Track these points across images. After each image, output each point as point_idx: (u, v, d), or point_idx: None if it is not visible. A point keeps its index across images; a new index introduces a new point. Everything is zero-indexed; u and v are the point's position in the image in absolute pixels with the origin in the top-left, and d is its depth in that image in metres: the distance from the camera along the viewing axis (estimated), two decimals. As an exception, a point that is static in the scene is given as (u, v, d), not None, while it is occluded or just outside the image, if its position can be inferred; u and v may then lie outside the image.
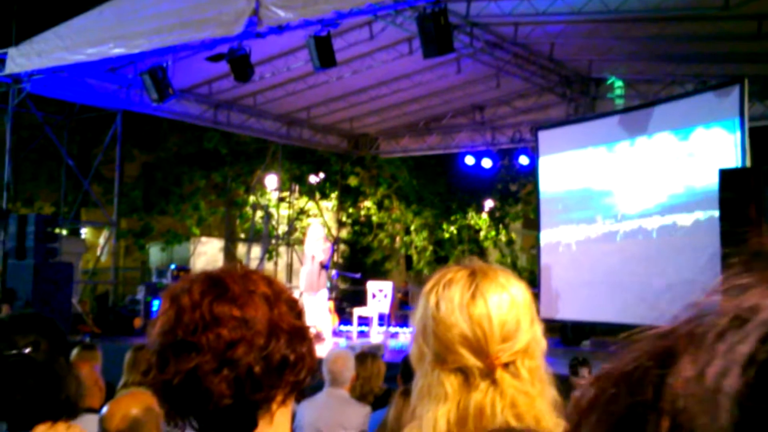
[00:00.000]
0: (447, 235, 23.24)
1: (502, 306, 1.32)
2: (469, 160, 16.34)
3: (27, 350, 1.86)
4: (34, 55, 11.42)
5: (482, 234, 23.42)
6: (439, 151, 17.04)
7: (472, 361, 1.30)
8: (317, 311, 10.41)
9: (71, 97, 13.21)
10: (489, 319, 1.30)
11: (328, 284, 11.11)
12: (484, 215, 23.81)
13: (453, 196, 22.68)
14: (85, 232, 22.29)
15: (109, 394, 4.14)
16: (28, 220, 12.24)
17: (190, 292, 1.22)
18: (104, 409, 2.98)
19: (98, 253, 18.91)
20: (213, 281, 1.24)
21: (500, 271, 1.38)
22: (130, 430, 2.70)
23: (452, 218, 23.26)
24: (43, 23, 11.40)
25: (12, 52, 11.69)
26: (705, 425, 0.37)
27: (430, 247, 22.67)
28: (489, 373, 1.30)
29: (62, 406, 1.89)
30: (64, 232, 16.21)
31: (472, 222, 23.60)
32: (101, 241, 20.42)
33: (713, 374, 0.38)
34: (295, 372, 1.24)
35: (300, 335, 1.27)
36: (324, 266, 10.45)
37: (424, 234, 22.72)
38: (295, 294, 10.86)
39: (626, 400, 0.40)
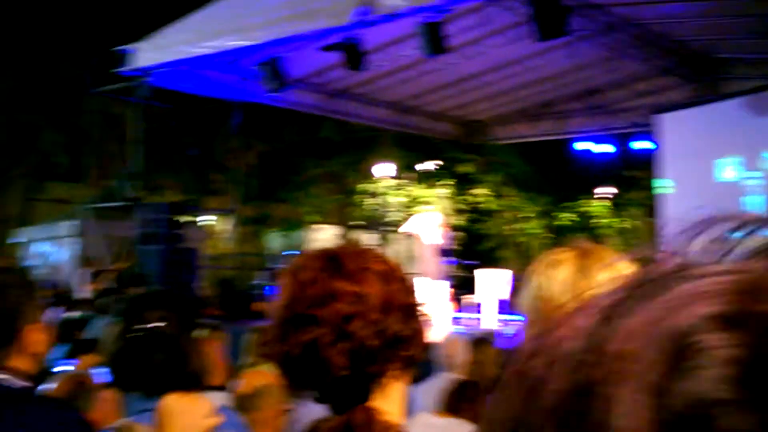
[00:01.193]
0: (562, 223, 22.86)
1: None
2: (585, 145, 15.97)
3: (156, 325, 2.00)
4: (158, 50, 11.95)
5: (599, 221, 22.91)
6: (552, 136, 16.72)
7: None
8: (437, 298, 10.49)
9: (192, 90, 13.74)
10: None
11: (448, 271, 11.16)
12: (601, 202, 23.26)
13: (568, 182, 22.26)
14: (209, 219, 23.18)
15: (232, 374, 4.32)
16: (156, 208, 12.87)
17: (309, 269, 1.29)
18: (234, 383, 3.16)
19: (220, 239, 19.65)
20: (330, 258, 1.30)
21: (607, 251, 1.38)
22: (253, 399, 2.86)
23: (567, 205, 22.85)
24: (167, 18, 11.90)
25: (138, 46, 12.27)
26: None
27: (545, 235, 22.34)
28: None
29: (189, 378, 2.01)
30: (189, 219, 16.91)
31: (588, 209, 23.11)
32: (223, 227, 21.19)
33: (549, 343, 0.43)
34: (408, 347, 1.29)
35: (412, 312, 1.32)
36: (443, 253, 10.50)
37: (539, 221, 22.41)
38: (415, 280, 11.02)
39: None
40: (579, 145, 16.57)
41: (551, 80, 14.01)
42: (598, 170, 20.86)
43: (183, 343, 2.01)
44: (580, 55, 12.17)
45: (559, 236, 22.25)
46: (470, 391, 3.89)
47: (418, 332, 1.31)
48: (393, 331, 1.26)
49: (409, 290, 1.34)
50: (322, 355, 1.22)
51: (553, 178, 22.07)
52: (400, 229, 11.51)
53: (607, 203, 23.19)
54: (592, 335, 0.41)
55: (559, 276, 1.33)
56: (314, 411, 1.30)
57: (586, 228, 22.63)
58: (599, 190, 23.41)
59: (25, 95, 18.49)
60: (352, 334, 1.23)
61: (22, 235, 18.44)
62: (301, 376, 1.27)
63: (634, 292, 0.42)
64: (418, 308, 1.35)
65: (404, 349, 1.28)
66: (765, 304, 0.37)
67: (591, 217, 22.94)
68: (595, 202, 23.17)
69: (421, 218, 11.35)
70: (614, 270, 1.35)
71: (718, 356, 0.36)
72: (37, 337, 1.84)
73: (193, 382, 2.02)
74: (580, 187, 22.41)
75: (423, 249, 10.67)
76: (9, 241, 19.27)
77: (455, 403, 3.81)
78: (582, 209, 22.84)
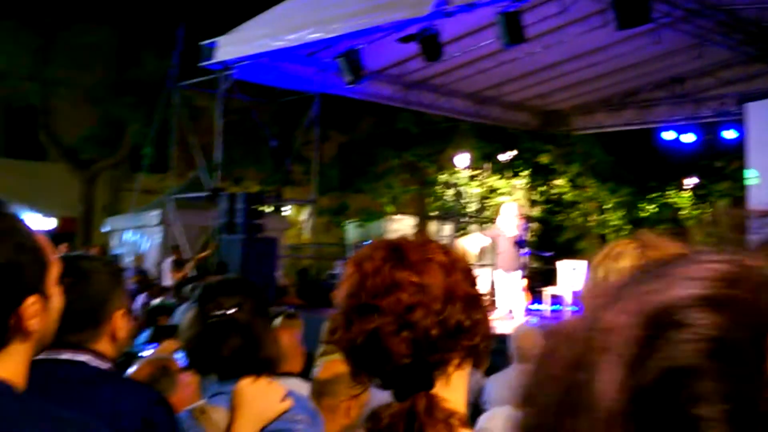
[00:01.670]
0: (645, 214, 22.35)
1: None
2: (669, 135, 15.56)
3: (231, 311, 2.07)
4: (239, 43, 12.19)
5: (684, 213, 22.31)
6: (636, 126, 16.34)
7: None
8: (511, 289, 10.41)
9: (273, 82, 13.97)
10: None
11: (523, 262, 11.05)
12: (686, 193, 22.65)
13: (651, 173, 21.72)
14: (288, 210, 23.55)
15: (309, 362, 4.40)
16: (237, 198, 13.16)
17: (373, 259, 1.32)
18: (312, 370, 3.26)
19: (299, 229, 19.97)
20: (393, 249, 1.33)
21: (672, 243, 1.36)
22: (329, 386, 2.94)
23: (650, 196, 22.33)
24: (249, 11, 12.13)
25: (221, 40, 12.55)
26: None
27: (627, 227, 21.88)
28: None
29: (262, 363, 2.08)
30: (269, 209, 17.22)
31: (673, 200, 22.53)
32: (303, 218, 21.52)
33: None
34: (470, 337, 1.30)
35: (475, 303, 1.33)
36: (518, 244, 10.39)
37: (621, 213, 21.97)
38: (487, 272, 10.87)
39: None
40: (666, 135, 16.15)
41: (634, 68, 13.70)
42: (682, 160, 20.27)
43: (256, 329, 2.08)
44: (664, 42, 11.85)
45: (642, 227, 21.75)
46: None
47: (480, 322, 1.33)
48: (455, 321, 1.28)
49: (472, 281, 1.36)
50: (385, 343, 1.25)
51: (635, 168, 21.57)
52: (476, 220, 11.40)
53: (693, 194, 22.57)
54: (594, 314, 0.46)
55: (619, 268, 1.32)
56: (382, 397, 1.33)
57: (670, 219, 22.07)
58: (687, 181, 22.80)
59: (115, 89, 19.16)
60: (414, 324, 1.26)
61: (111, 223, 19.12)
62: (365, 364, 1.30)
63: (639, 276, 0.47)
64: (481, 299, 1.36)
65: (466, 338, 1.30)
66: (743, 291, 0.43)
67: (676, 209, 22.37)
68: (681, 193, 22.59)
69: (500, 210, 11.26)
70: None
71: (696, 331, 0.42)
72: (121, 323, 1.93)
73: (267, 367, 2.08)
74: (664, 177, 21.84)
75: (498, 240, 10.59)
76: (100, 229, 20.03)
77: None
78: (667, 200, 22.29)
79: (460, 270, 1.34)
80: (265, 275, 12.45)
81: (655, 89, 15.02)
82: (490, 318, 1.38)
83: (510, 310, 10.45)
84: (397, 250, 1.32)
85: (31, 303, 1.30)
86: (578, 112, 16.75)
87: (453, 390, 1.32)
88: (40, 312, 1.31)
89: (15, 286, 1.28)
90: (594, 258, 1.38)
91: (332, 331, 1.36)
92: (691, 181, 22.75)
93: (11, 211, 1.34)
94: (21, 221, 1.34)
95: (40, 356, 1.39)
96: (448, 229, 20.71)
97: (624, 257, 1.34)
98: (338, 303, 1.35)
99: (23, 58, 18.99)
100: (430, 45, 10.72)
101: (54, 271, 1.36)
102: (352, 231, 24.44)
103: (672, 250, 1.37)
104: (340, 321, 1.33)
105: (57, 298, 1.37)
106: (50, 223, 20.53)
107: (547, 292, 12.27)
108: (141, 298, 11.36)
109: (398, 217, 23.27)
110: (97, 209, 21.92)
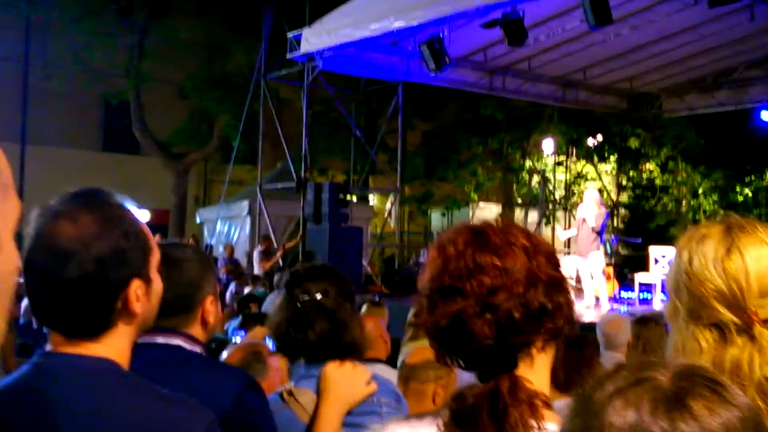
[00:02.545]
0: (741, 198, 21.56)
1: (761, 260, 1.28)
2: (766, 115, 14.94)
3: (318, 296, 2.13)
4: (324, 34, 12.32)
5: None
6: (730, 107, 15.75)
7: (728, 316, 1.28)
8: (590, 274, 10.25)
9: (357, 72, 14.07)
10: (746, 273, 1.27)
11: (608, 249, 10.80)
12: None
13: (747, 155, 20.92)
14: (373, 198, 23.70)
15: (394, 349, 4.45)
16: (323, 188, 13.33)
17: (456, 243, 1.34)
18: (403, 354, 3.31)
19: (385, 218, 20.07)
20: (476, 233, 1.34)
21: (759, 226, 1.33)
22: (419, 367, 2.99)
23: (746, 180, 21.51)
24: (333, 2, 12.23)
25: (306, 32, 12.71)
26: None
27: (721, 212, 21.17)
28: (746, 329, 1.28)
29: (347, 347, 2.13)
30: (354, 198, 17.37)
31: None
32: (387, 206, 21.64)
33: None
34: (553, 319, 1.31)
35: (557, 285, 1.34)
36: (598, 232, 10.21)
37: (714, 197, 21.27)
38: (572, 259, 10.69)
39: None
40: (763, 115, 15.53)
41: (727, 47, 13.22)
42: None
43: (342, 314, 2.13)
44: (759, 19, 11.40)
45: (739, 212, 20.98)
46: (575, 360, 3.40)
47: (563, 305, 1.33)
48: (537, 304, 1.29)
49: (555, 264, 1.36)
50: (468, 325, 1.27)
51: (730, 151, 20.81)
52: (562, 207, 11.23)
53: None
54: None
55: (704, 250, 1.30)
56: (468, 382, 1.35)
57: (767, 203, 21.24)
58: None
59: (205, 83, 19.64)
60: (497, 306, 1.27)
61: (202, 214, 19.64)
62: (449, 345, 1.32)
63: None
64: (564, 282, 1.36)
65: (549, 321, 1.31)
66: None
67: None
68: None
69: (583, 196, 11.08)
70: (766, 246, 1.30)
71: None
72: (211, 308, 2.00)
73: (352, 351, 2.13)
74: (761, 159, 21.00)
75: (579, 226, 10.43)
76: (192, 220, 20.63)
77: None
78: (764, 183, 21.44)
79: (542, 253, 1.34)
80: (351, 264, 12.58)
81: (751, 68, 14.45)
82: (573, 301, 1.38)
83: (597, 297, 10.30)
84: (479, 233, 1.34)
85: (136, 287, 1.38)
86: (669, 94, 16.27)
87: (536, 372, 1.33)
88: (144, 295, 1.39)
89: (122, 271, 1.36)
90: (680, 240, 1.37)
91: (417, 313, 1.39)
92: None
93: (118, 200, 1.42)
94: (127, 210, 1.42)
95: (138, 340, 1.47)
96: (533, 216, 20.48)
97: (709, 239, 1.32)
98: (422, 286, 1.37)
99: (119, 55, 19.67)
100: (514, 29, 10.60)
101: (156, 257, 1.44)
102: (436, 219, 24.43)
103: (761, 233, 1.35)
104: (425, 304, 1.35)
105: (158, 283, 1.45)
106: (144, 215, 21.23)
107: (637, 279, 12.00)
108: (232, 287, 11.66)
109: (483, 204, 23.14)
110: (189, 201, 22.55)
